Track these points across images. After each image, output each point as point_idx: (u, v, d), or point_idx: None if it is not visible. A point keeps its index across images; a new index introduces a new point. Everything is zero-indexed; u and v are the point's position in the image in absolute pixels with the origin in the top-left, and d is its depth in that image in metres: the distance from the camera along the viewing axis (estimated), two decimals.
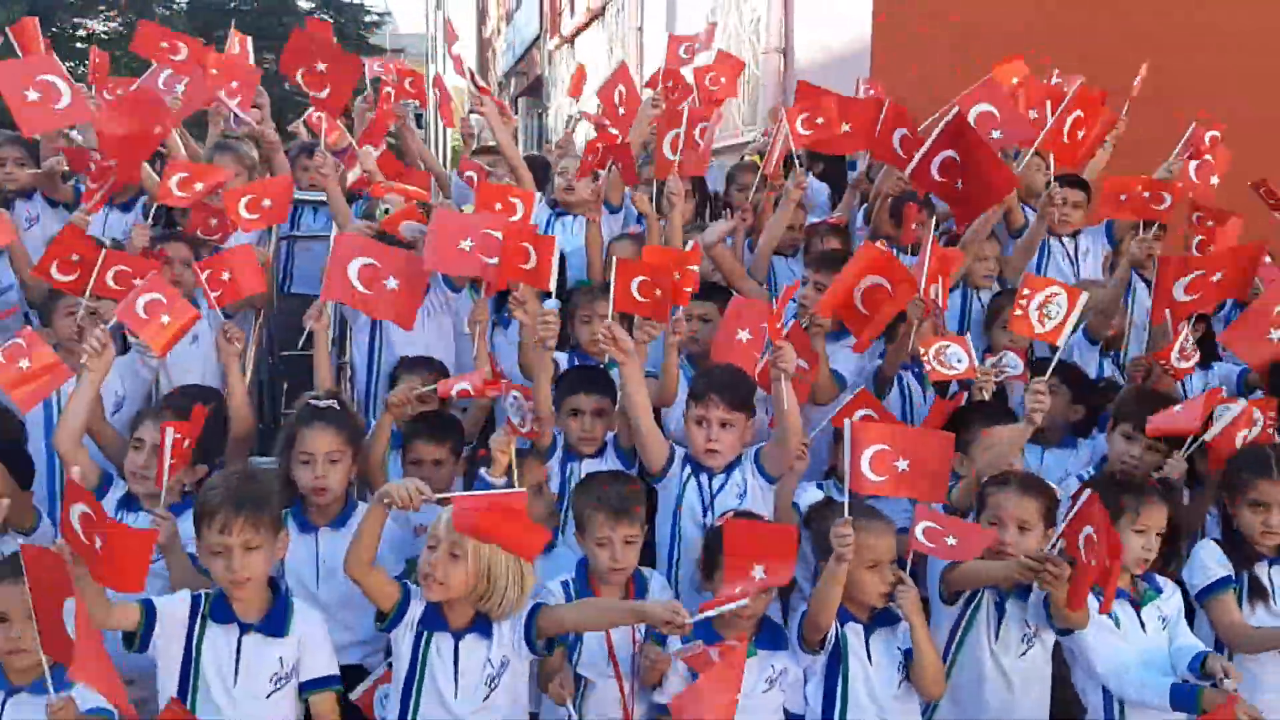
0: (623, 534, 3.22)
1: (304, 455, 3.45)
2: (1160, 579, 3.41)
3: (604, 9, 15.05)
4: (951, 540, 3.11)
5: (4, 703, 2.82)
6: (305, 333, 4.00)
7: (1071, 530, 2.95)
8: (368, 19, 34.45)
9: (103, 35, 30.66)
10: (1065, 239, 5.31)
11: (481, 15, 30.22)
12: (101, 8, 30.47)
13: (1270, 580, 3.48)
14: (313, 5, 33.07)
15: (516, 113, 21.49)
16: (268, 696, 2.93)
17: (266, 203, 4.54)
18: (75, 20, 29.90)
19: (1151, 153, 5.40)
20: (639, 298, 3.73)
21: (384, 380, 4.40)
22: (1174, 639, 3.32)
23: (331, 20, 33.34)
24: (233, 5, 32.78)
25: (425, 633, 3.02)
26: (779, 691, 3.22)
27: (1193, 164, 4.98)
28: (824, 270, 4.38)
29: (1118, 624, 3.22)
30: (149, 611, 2.89)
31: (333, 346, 4.47)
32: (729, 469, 3.70)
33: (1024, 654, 3.31)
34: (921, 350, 3.90)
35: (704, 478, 3.70)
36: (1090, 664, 3.21)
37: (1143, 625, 3.28)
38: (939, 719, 3.38)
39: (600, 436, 3.86)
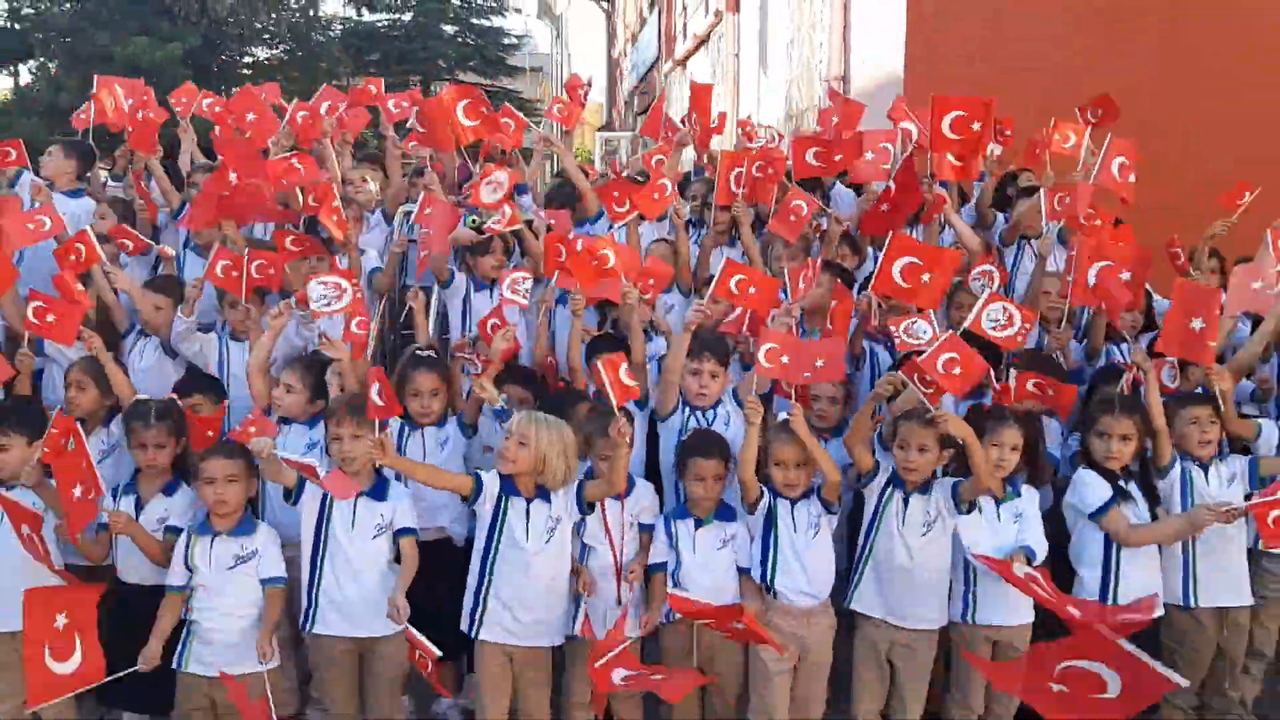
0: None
1: (413, 390, 4.86)
2: (1024, 486, 4.59)
3: (709, 36, 16.41)
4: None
5: (211, 542, 4.32)
6: (406, 308, 5.43)
7: None
8: (506, 41, 36.24)
9: (266, 62, 32.80)
10: (1034, 240, 6.41)
11: (610, 37, 31.76)
12: (266, 36, 32.48)
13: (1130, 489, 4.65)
14: (455, 30, 35.04)
15: (636, 130, 22.92)
16: (373, 539, 4.34)
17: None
18: (241, 49, 32.07)
19: None
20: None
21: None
22: (1023, 533, 4.48)
23: (473, 43, 35.40)
24: (383, 31, 34.95)
25: (504, 497, 4.34)
26: (730, 551, 4.51)
27: (1115, 163, 5.91)
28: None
29: (981, 510, 4.43)
30: (300, 480, 4.35)
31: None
32: (715, 406, 5.01)
33: (924, 534, 4.47)
34: (891, 326, 5.07)
35: (699, 414, 5.01)
36: (959, 537, 4.45)
37: (999, 516, 4.48)
38: (863, 584, 4.59)
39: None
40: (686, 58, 18.68)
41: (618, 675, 4.16)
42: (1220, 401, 4.85)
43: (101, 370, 4.95)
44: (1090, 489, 4.65)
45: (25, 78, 28.72)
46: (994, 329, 4.72)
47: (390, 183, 6.93)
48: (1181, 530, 4.61)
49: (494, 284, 5.75)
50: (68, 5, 27.30)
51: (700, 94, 7.33)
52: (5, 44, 27.87)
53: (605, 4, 31.14)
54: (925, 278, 4.92)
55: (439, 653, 4.05)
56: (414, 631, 4.07)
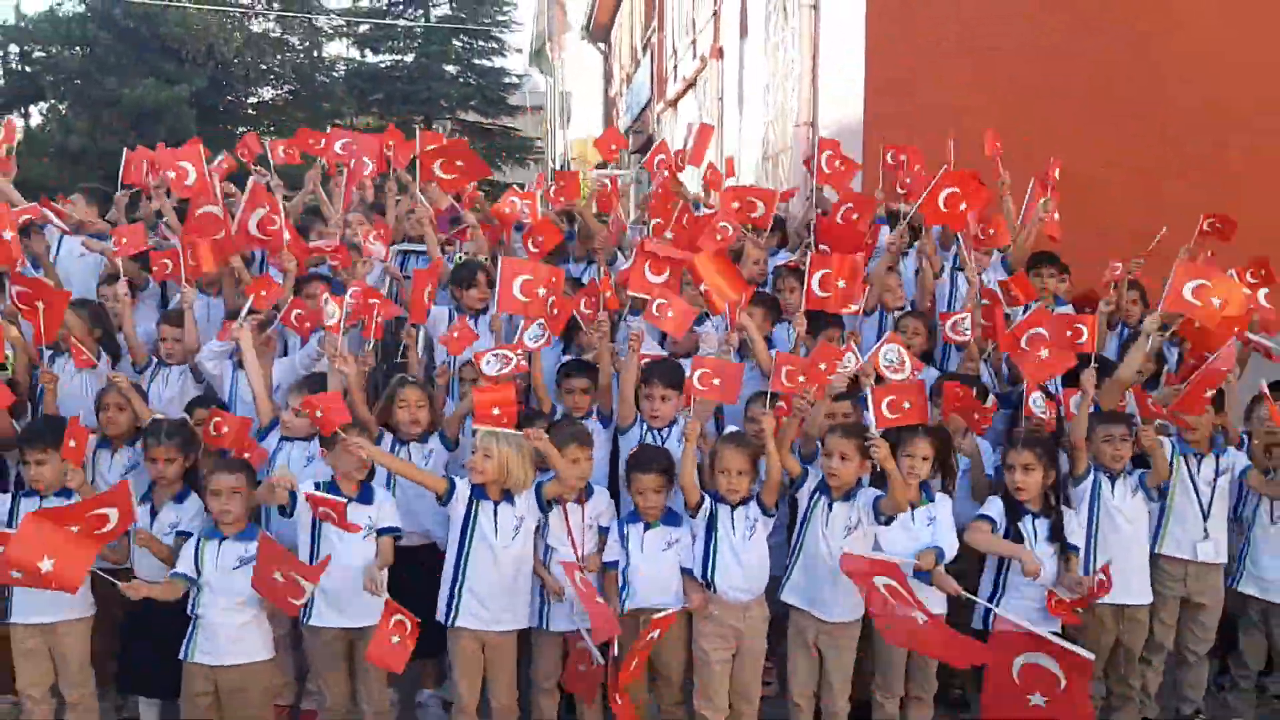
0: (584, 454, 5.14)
1: (401, 403, 5.47)
2: (938, 494, 5.17)
3: (696, 80, 17.11)
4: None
5: (219, 546, 4.88)
6: (401, 346, 6.04)
7: None
8: (506, 81, 36.98)
9: (271, 102, 33.48)
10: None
11: (608, 77, 32.52)
12: (271, 77, 33.14)
13: (1031, 528, 5.18)
14: (457, 71, 35.80)
15: (629, 166, 23.64)
16: (361, 538, 4.92)
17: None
18: (247, 90, 32.75)
19: None
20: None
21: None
22: (936, 535, 5.05)
23: (474, 83, 36.12)
24: (385, 71, 35.72)
25: (475, 500, 4.94)
26: (675, 552, 5.08)
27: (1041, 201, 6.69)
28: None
29: (890, 520, 4.98)
30: (293, 496, 4.94)
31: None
32: (670, 425, 5.59)
33: (846, 537, 5.01)
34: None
35: (654, 433, 5.60)
36: (878, 541, 5.01)
37: (913, 520, 5.05)
38: (792, 579, 5.17)
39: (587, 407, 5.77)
40: (677, 99, 19.39)
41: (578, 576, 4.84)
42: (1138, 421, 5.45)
43: (140, 391, 5.57)
44: (986, 505, 5.26)
45: (36, 119, 29.42)
46: (888, 369, 5.32)
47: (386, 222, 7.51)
48: (1008, 553, 5.13)
49: (479, 314, 6.36)
50: (77, 49, 27.99)
51: (704, 135, 8.08)
52: (17, 87, 28.67)
53: (602, 45, 31.92)
54: (840, 284, 5.64)
55: (418, 619, 4.61)
56: (393, 601, 4.61)
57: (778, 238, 7.64)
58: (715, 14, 15.54)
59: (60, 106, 28.57)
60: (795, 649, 5.15)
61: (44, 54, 28.30)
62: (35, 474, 4.95)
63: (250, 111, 32.55)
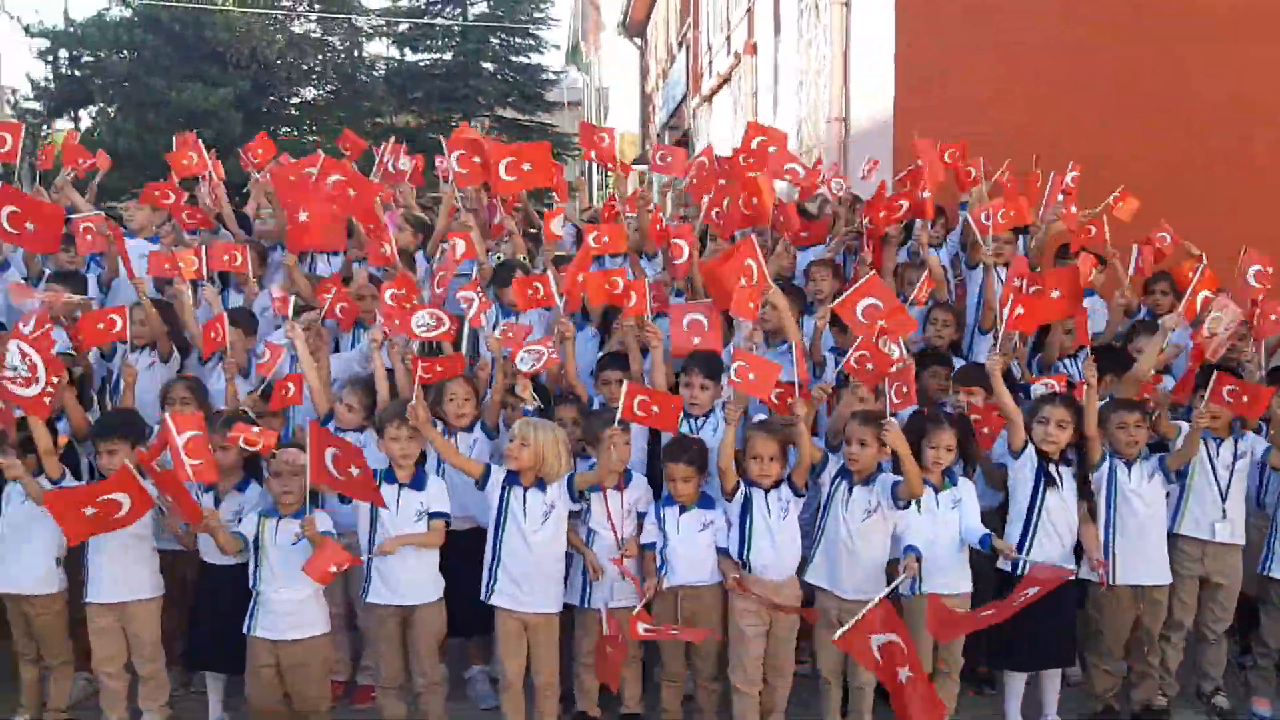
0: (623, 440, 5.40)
1: (449, 396, 5.73)
2: (960, 477, 5.39)
3: (730, 75, 17.33)
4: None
5: (277, 525, 5.19)
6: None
7: None
8: (544, 77, 37.26)
9: (313, 103, 33.93)
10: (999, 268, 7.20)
11: (644, 73, 32.74)
12: (313, 78, 33.56)
13: (1057, 473, 5.44)
14: (495, 68, 36.13)
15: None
16: (415, 522, 5.23)
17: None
18: (290, 91, 33.19)
19: None
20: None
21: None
22: (962, 517, 5.30)
23: (512, 80, 36.44)
24: (425, 70, 36.09)
25: (508, 486, 5.25)
26: (710, 533, 5.34)
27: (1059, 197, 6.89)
28: None
29: (920, 502, 5.22)
30: None
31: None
32: (707, 415, 5.85)
33: (865, 520, 5.27)
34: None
35: (691, 420, 5.86)
36: (899, 527, 5.25)
37: (938, 504, 5.29)
38: (815, 560, 5.42)
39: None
40: (712, 95, 19.62)
41: (641, 627, 5.02)
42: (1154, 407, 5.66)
43: (202, 387, 5.87)
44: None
45: (85, 123, 30.02)
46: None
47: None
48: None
49: (518, 311, 6.63)
50: (125, 53, 28.57)
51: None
52: (67, 91, 29.30)
53: (638, 40, 32.16)
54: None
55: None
56: (340, 550, 4.96)
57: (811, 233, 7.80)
58: (749, 10, 15.77)
59: (109, 110, 29.16)
60: (821, 627, 5.40)
61: (92, 58, 28.89)
62: (106, 463, 5.28)
63: (293, 112, 33.03)
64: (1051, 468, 5.44)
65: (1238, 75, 9.12)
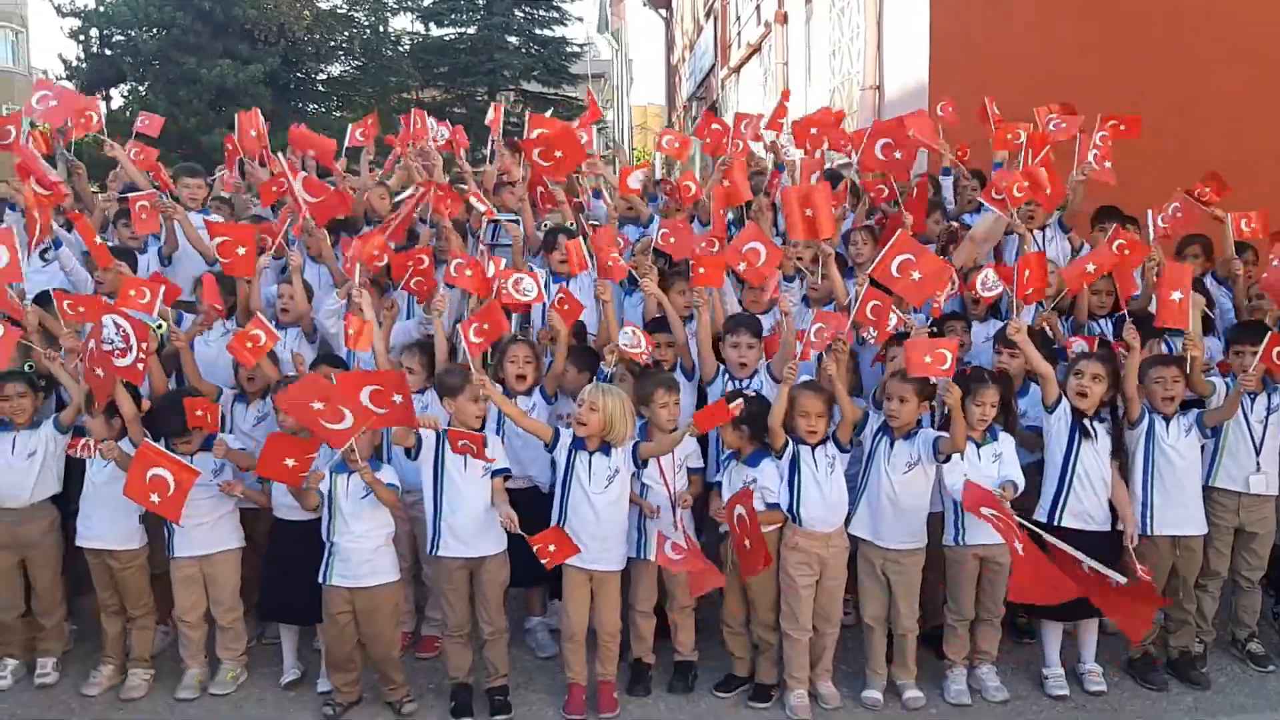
0: (672, 399, 5.65)
1: (511, 359, 5.96)
2: (1000, 431, 5.60)
3: (760, 45, 17.42)
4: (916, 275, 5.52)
5: (348, 479, 5.42)
6: None
7: None
8: (569, 50, 37.41)
9: (341, 77, 34.16)
10: (1035, 231, 7.37)
11: (669, 45, 32.75)
12: (340, 53, 33.80)
13: (1093, 427, 5.65)
14: (519, 42, 36.27)
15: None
16: (480, 478, 5.46)
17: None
18: (317, 67, 33.45)
19: None
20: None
21: None
22: (1002, 471, 5.49)
23: (537, 53, 36.59)
24: (449, 44, 36.26)
25: (574, 450, 5.48)
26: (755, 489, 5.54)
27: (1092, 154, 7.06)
28: None
29: (963, 457, 5.44)
30: (419, 437, 5.48)
31: None
32: (752, 375, 6.07)
33: (905, 474, 5.50)
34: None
35: (735, 382, 6.08)
36: (942, 476, 5.47)
37: (979, 457, 5.50)
38: (858, 513, 5.65)
39: (672, 360, 6.30)
40: (741, 65, 19.69)
41: (667, 545, 5.28)
42: (1189, 365, 5.83)
43: (270, 354, 6.08)
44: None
45: (117, 101, 30.35)
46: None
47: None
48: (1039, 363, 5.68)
49: (569, 277, 6.86)
50: (155, 31, 28.84)
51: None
52: (99, 70, 29.65)
53: (663, 12, 32.16)
54: (915, 275, 5.85)
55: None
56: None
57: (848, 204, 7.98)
58: None
59: (140, 88, 29.51)
60: (865, 577, 5.65)
61: (123, 37, 29.24)
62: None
63: (320, 88, 33.38)
64: (1086, 421, 5.64)
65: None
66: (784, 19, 15.63)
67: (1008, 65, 9.21)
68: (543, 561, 5.18)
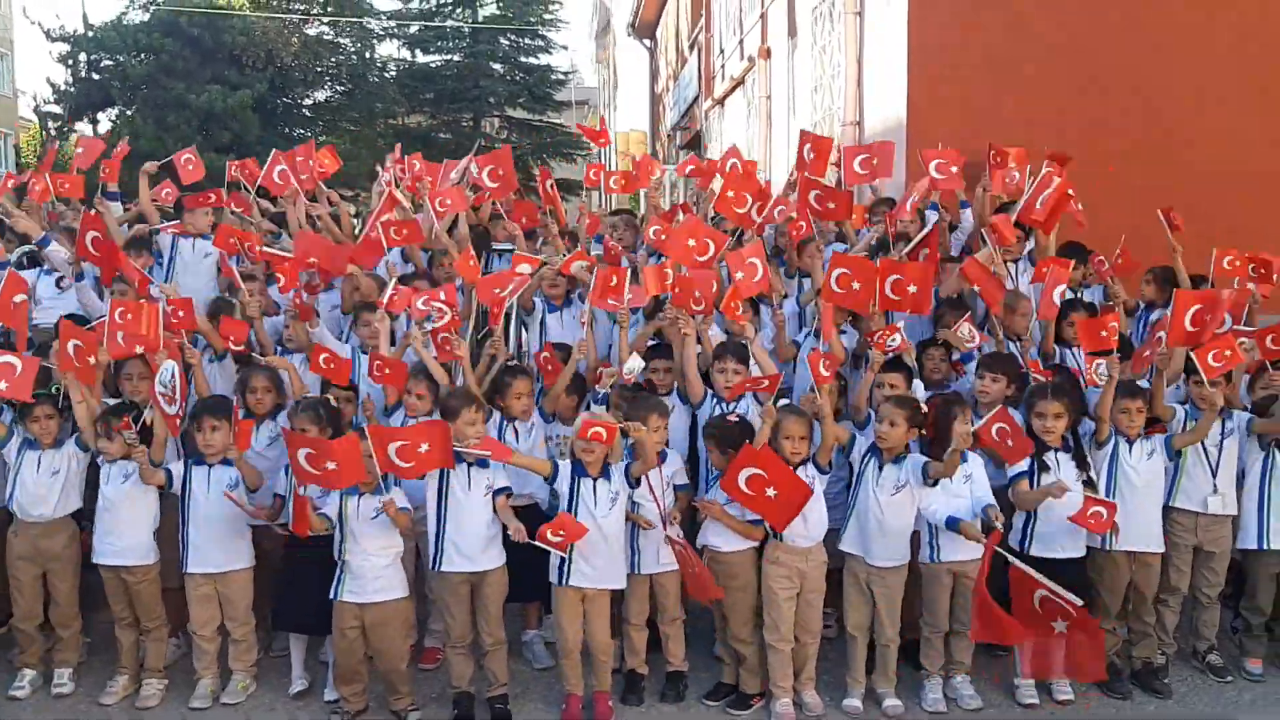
0: (664, 424, 5.97)
1: (515, 393, 6.27)
2: (970, 453, 5.90)
3: (744, 78, 17.84)
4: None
5: (359, 500, 5.72)
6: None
7: None
8: (554, 77, 37.79)
9: (326, 103, 34.36)
10: (1008, 264, 7.73)
11: (654, 75, 33.19)
12: (327, 79, 33.99)
13: (1055, 461, 6.00)
14: (505, 69, 36.64)
15: (677, 161, 24.36)
16: (483, 496, 5.76)
17: None
18: (304, 92, 33.61)
19: None
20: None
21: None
22: (974, 491, 5.84)
23: (522, 80, 36.91)
24: (435, 70, 36.61)
25: (577, 478, 5.76)
26: (736, 506, 5.79)
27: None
28: None
29: (936, 483, 5.77)
30: None
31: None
32: (738, 399, 6.40)
33: (893, 495, 5.83)
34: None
35: (722, 405, 6.40)
36: (919, 499, 5.81)
37: (951, 478, 5.81)
38: (848, 530, 5.99)
39: (670, 385, 6.62)
40: (724, 97, 20.09)
41: (674, 530, 5.74)
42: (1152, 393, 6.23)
43: (278, 375, 6.43)
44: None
45: (105, 125, 30.48)
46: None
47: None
48: (1046, 496, 5.84)
49: (563, 306, 7.19)
50: (143, 57, 29.00)
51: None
52: (87, 95, 29.79)
53: (648, 41, 32.63)
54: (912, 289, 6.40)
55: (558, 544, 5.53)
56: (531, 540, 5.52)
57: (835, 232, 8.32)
58: (762, 16, 16.26)
59: (128, 113, 29.64)
60: (850, 589, 5.98)
61: (111, 62, 29.39)
62: (209, 439, 5.90)
63: (306, 113, 33.60)
64: (1047, 455, 6.00)
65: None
66: (767, 54, 16.04)
67: (984, 103, 9.58)
68: (553, 550, 5.55)
